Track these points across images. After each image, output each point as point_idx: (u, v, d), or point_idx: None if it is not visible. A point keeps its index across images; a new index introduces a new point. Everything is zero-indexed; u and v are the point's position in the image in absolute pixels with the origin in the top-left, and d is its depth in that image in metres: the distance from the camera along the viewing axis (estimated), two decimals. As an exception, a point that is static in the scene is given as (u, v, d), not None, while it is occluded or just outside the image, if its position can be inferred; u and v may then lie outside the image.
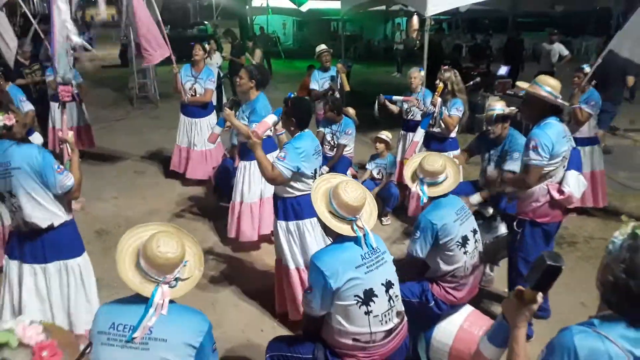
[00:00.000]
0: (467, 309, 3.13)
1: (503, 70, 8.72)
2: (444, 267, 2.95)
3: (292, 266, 3.49)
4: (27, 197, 2.80)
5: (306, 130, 3.36)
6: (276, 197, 3.49)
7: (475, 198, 3.86)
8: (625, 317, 1.42)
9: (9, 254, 3.03)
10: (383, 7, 16.24)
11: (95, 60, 18.05)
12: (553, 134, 3.04)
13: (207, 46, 7.22)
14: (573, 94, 5.08)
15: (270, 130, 3.73)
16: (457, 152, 4.98)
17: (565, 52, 9.31)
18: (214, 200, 5.71)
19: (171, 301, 1.90)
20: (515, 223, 3.39)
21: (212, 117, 6.27)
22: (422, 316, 3.02)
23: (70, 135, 3.19)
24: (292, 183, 3.31)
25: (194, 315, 1.95)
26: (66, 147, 3.20)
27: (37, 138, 5.16)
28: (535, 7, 13.52)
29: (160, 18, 6.20)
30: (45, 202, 2.85)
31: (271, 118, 3.45)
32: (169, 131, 9.05)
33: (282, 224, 3.44)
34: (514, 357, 1.62)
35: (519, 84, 3.37)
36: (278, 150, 3.65)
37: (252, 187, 4.58)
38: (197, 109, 6.13)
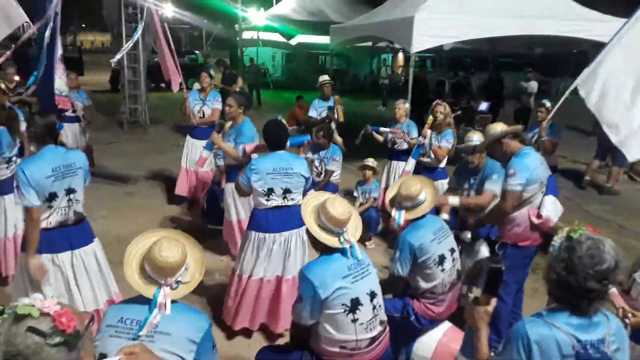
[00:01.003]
0: (446, 325, 3.30)
1: (483, 106, 9.15)
2: (423, 285, 3.13)
3: (244, 274, 3.71)
4: (82, 192, 3.37)
5: (278, 151, 3.66)
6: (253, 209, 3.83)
7: (454, 200, 4.04)
8: (568, 307, 1.69)
9: (52, 250, 3.27)
10: (369, 44, 16.87)
11: (86, 85, 18.20)
12: (530, 161, 3.28)
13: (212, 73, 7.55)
14: (540, 128, 5.37)
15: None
16: (446, 180, 5.24)
17: (535, 90, 9.85)
18: (202, 222, 5.85)
19: (176, 300, 2.05)
20: (497, 246, 3.59)
21: None
22: (403, 331, 3.18)
23: None
24: (256, 197, 3.67)
25: (196, 314, 2.10)
26: None
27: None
28: (515, 49, 14.18)
29: (173, 47, 6.52)
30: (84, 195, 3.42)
31: (256, 144, 3.97)
32: (158, 155, 9.25)
33: (248, 233, 3.75)
34: (478, 355, 1.85)
35: (469, 135, 3.85)
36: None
37: (237, 206, 4.77)
38: (205, 131, 6.34)
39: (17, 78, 7.34)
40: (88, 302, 3.39)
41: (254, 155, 3.76)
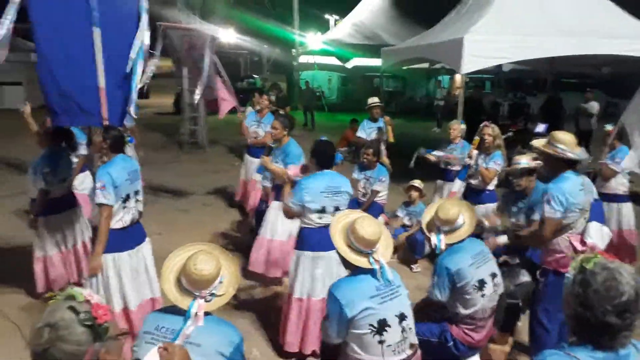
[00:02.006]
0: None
1: (540, 127, 8.84)
2: (462, 310, 3.05)
3: (294, 295, 3.72)
4: (141, 193, 3.82)
5: (326, 170, 3.71)
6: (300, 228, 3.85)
7: (502, 239, 3.93)
8: (590, 343, 1.55)
9: (130, 247, 3.65)
10: (426, 65, 16.83)
11: (151, 107, 19.25)
12: (567, 187, 3.13)
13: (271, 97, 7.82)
14: (602, 151, 5.16)
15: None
16: (494, 204, 5.10)
17: (595, 111, 9.38)
18: (251, 238, 6.00)
19: (210, 313, 2.14)
20: (539, 272, 3.46)
21: None
22: (440, 357, 3.11)
23: None
24: (305, 216, 3.67)
25: (228, 327, 2.17)
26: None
27: (85, 177, 5.66)
28: (579, 69, 13.62)
29: (225, 73, 6.85)
30: None
31: (300, 166, 4.07)
32: (214, 174, 9.60)
33: (295, 252, 3.79)
34: None
35: (534, 143, 3.50)
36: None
37: (282, 225, 4.84)
38: (260, 151, 6.58)
39: None
40: (147, 290, 3.76)
41: (299, 176, 3.87)
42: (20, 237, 5.91)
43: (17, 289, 4.70)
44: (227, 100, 6.72)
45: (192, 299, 2.12)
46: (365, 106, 7.19)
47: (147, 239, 3.90)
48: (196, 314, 2.09)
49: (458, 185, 5.22)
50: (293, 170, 3.99)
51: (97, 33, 3.48)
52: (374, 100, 7.17)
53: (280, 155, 4.81)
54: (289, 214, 3.76)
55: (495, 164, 5.02)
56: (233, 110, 6.96)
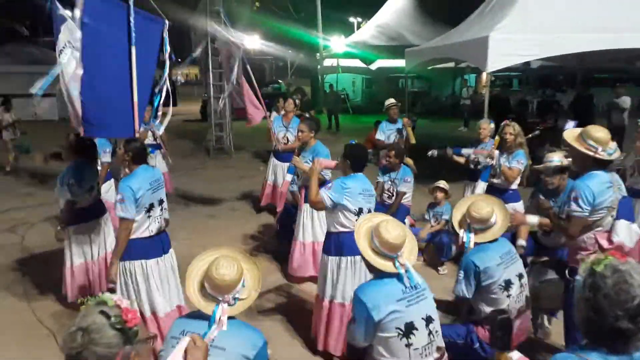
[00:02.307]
0: (515, 355, 3.12)
1: (570, 124, 8.56)
2: (487, 310, 3.01)
3: (326, 299, 3.70)
4: (166, 202, 3.91)
5: (359, 173, 3.68)
6: (327, 233, 3.78)
7: (532, 218, 3.76)
8: (603, 347, 1.48)
9: (157, 254, 3.77)
10: (452, 65, 16.63)
11: (179, 114, 19.59)
12: (595, 184, 3.03)
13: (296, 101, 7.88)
14: (635, 148, 4.98)
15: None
16: (519, 204, 5.03)
17: (627, 106, 9.07)
18: (276, 242, 6.05)
19: (233, 317, 2.17)
20: (567, 271, 3.38)
21: None
22: (466, 358, 3.06)
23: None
24: (336, 219, 3.60)
25: (252, 331, 2.20)
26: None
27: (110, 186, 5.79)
28: (612, 64, 13.23)
29: (255, 82, 6.92)
30: None
31: (334, 162, 4.02)
32: (240, 179, 9.71)
33: (324, 257, 3.74)
34: None
35: (566, 134, 3.39)
36: None
37: (314, 227, 4.91)
38: (289, 155, 6.63)
39: None
40: (174, 297, 3.87)
41: (322, 166, 3.90)
42: (51, 246, 6.10)
43: (51, 296, 4.85)
44: (259, 110, 6.80)
45: (216, 304, 2.14)
46: (384, 108, 7.18)
47: (173, 244, 3.99)
48: (220, 318, 2.11)
49: (481, 187, 5.14)
50: (325, 161, 3.97)
51: (134, 51, 3.84)
52: (391, 101, 7.16)
53: (309, 156, 4.90)
54: (318, 205, 3.63)
55: (519, 163, 4.94)
56: (243, 117, 7.03)
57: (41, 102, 17.60)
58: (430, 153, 6.08)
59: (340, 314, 3.67)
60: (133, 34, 3.83)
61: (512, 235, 4.17)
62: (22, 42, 22.50)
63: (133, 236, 3.66)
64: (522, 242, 4.17)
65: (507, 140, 4.99)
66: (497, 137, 5.00)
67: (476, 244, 3.14)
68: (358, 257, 3.55)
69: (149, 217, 3.69)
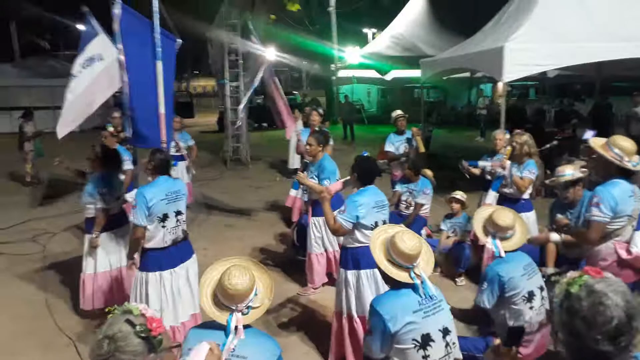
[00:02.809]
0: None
1: (589, 134, 8.46)
2: (508, 322, 2.98)
3: (344, 314, 3.69)
4: (185, 214, 3.95)
5: (369, 186, 3.68)
6: (342, 247, 3.79)
7: (555, 236, 3.78)
8: None
9: (172, 265, 3.81)
10: (467, 74, 16.57)
11: (196, 126, 19.86)
12: (617, 192, 3.04)
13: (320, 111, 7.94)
14: None
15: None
16: (530, 213, 5.02)
17: None
18: (292, 254, 6.06)
19: (249, 325, 2.19)
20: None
21: None
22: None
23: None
24: (352, 235, 3.59)
25: (269, 339, 2.23)
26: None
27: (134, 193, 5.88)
28: (633, 72, 13.03)
29: (283, 92, 7.00)
30: None
31: (342, 181, 4.00)
32: (257, 190, 9.79)
33: (342, 271, 3.72)
34: None
35: (593, 142, 3.36)
36: None
37: (324, 239, 4.92)
38: None
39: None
40: (189, 307, 3.89)
41: (332, 193, 3.89)
42: (73, 255, 6.22)
43: (72, 304, 4.93)
44: (289, 121, 6.89)
45: (230, 313, 2.17)
46: (410, 117, 7.17)
47: (193, 256, 4.02)
48: (236, 327, 2.14)
49: (492, 197, 5.12)
50: (334, 187, 3.97)
51: (159, 65, 4.15)
52: (398, 112, 7.16)
53: (315, 171, 4.91)
54: (339, 232, 3.59)
55: (530, 172, 4.91)
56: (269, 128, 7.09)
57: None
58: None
59: (361, 328, 3.65)
60: (159, 49, 4.12)
61: (539, 256, 4.11)
62: (43, 55, 23.07)
63: (148, 245, 3.74)
64: (550, 270, 4.07)
65: (516, 149, 4.96)
66: (508, 147, 4.97)
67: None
68: (376, 270, 3.55)
69: (163, 227, 3.72)
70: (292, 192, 5.06)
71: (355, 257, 3.63)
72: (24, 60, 22.53)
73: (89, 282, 4.60)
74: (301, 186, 5.06)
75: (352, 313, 3.66)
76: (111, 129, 5.68)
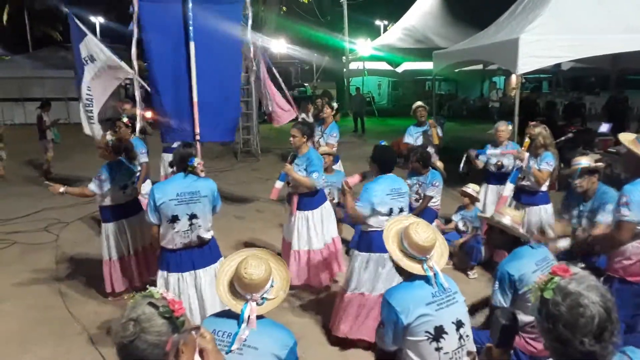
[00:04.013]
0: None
1: (604, 127, 8.40)
2: (523, 318, 2.94)
3: (349, 292, 3.83)
4: (204, 218, 3.59)
5: (388, 174, 3.75)
6: (361, 232, 3.89)
7: (563, 243, 3.78)
8: None
9: (179, 270, 3.63)
10: (480, 67, 16.40)
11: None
12: None
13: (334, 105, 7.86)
14: None
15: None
16: (548, 206, 4.99)
17: None
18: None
19: (263, 316, 2.19)
20: (603, 279, 3.28)
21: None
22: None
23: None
24: (369, 219, 3.69)
25: (282, 330, 2.22)
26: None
27: (148, 185, 5.89)
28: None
29: (283, 85, 6.93)
30: (210, 221, 3.69)
31: (360, 174, 4.03)
32: (267, 182, 9.76)
33: (355, 252, 3.86)
34: None
35: (622, 137, 3.27)
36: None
37: (310, 235, 4.77)
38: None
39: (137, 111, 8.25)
40: (194, 317, 3.70)
41: (353, 182, 3.92)
42: (85, 244, 6.28)
43: (84, 293, 4.99)
44: (287, 111, 6.81)
45: (245, 302, 2.16)
46: (412, 111, 7.12)
47: (211, 266, 3.68)
48: (249, 317, 2.13)
49: (509, 189, 5.06)
50: (352, 180, 3.94)
51: (192, 47, 3.92)
52: (418, 103, 7.12)
53: (303, 164, 4.74)
54: (359, 218, 3.73)
55: (548, 164, 4.85)
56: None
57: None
58: (461, 170, 6.03)
59: (358, 302, 3.82)
60: (191, 28, 3.91)
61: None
62: (56, 47, 23.18)
63: (161, 243, 3.65)
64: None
65: (534, 141, 4.89)
66: (527, 140, 4.90)
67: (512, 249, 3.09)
68: (386, 255, 3.56)
69: (172, 228, 3.50)
70: (278, 185, 4.87)
71: (368, 241, 3.75)
72: (36, 52, 22.68)
73: (109, 268, 4.70)
74: (287, 180, 4.91)
75: (354, 291, 3.82)
76: (125, 119, 5.70)
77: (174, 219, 3.48)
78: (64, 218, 7.37)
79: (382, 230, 3.51)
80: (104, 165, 4.64)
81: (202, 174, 3.65)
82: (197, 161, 3.58)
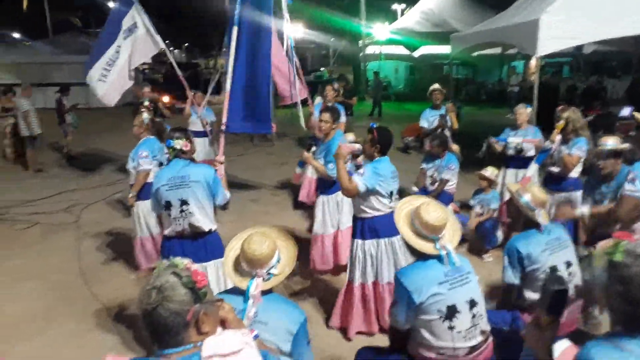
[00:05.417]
0: (564, 343, 3.04)
1: (626, 111, 8.13)
2: (532, 296, 2.94)
3: (356, 282, 3.77)
4: (198, 205, 3.41)
5: (385, 157, 3.69)
6: (355, 219, 3.79)
7: (585, 209, 3.70)
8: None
9: (168, 257, 3.61)
10: (498, 51, 16.10)
11: (222, 104, 19.92)
12: None
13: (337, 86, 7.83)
14: None
15: (350, 161, 4.07)
16: (579, 192, 4.74)
17: None
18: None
19: (270, 290, 2.22)
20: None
21: None
22: (512, 345, 3.01)
23: (223, 158, 3.89)
24: (369, 204, 3.61)
25: (292, 306, 2.24)
26: (221, 168, 3.82)
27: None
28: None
29: (299, 64, 6.88)
30: (208, 210, 3.48)
31: (357, 146, 3.85)
32: (281, 166, 9.82)
33: (357, 242, 3.74)
34: None
35: (603, 139, 3.25)
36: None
37: (329, 219, 4.74)
38: None
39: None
40: None
41: (348, 152, 3.80)
42: (105, 225, 6.41)
43: (104, 272, 5.12)
44: (298, 92, 6.74)
45: (251, 278, 2.19)
46: (428, 93, 7.05)
47: (209, 263, 3.50)
48: (255, 293, 2.15)
49: (533, 170, 4.97)
50: (349, 147, 3.79)
51: (235, 31, 4.17)
52: (435, 86, 7.03)
53: (322, 152, 4.68)
54: (353, 192, 3.50)
55: (580, 149, 4.70)
56: (289, 105, 6.94)
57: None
58: (481, 154, 5.95)
59: (374, 295, 3.78)
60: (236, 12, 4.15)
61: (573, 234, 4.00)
62: (75, 32, 23.38)
63: (164, 232, 3.61)
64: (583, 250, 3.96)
65: (569, 125, 4.75)
66: (561, 122, 4.76)
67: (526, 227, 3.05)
68: (394, 239, 3.63)
69: (169, 215, 3.44)
70: (297, 170, 4.89)
71: (372, 226, 3.67)
72: (56, 37, 22.91)
73: (140, 245, 4.84)
74: (305, 166, 4.89)
75: (367, 281, 3.76)
76: (147, 103, 5.81)
77: (168, 205, 3.42)
78: (85, 199, 7.52)
79: (384, 214, 3.59)
80: (141, 143, 4.80)
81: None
82: (178, 143, 3.46)
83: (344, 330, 3.97)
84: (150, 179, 4.69)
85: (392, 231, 3.56)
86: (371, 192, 3.54)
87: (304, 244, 5.66)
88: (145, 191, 4.70)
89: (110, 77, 5.64)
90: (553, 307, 1.70)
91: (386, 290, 3.74)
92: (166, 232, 3.55)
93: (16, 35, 29.06)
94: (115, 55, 5.65)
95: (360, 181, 3.49)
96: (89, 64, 5.89)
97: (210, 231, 3.52)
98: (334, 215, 4.74)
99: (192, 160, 3.62)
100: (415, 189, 5.75)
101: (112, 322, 4.17)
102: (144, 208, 4.74)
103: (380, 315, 3.84)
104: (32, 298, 4.60)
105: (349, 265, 3.92)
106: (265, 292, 2.19)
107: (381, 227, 3.64)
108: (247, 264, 2.20)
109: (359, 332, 3.91)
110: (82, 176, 9.12)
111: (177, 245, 3.49)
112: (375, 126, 3.74)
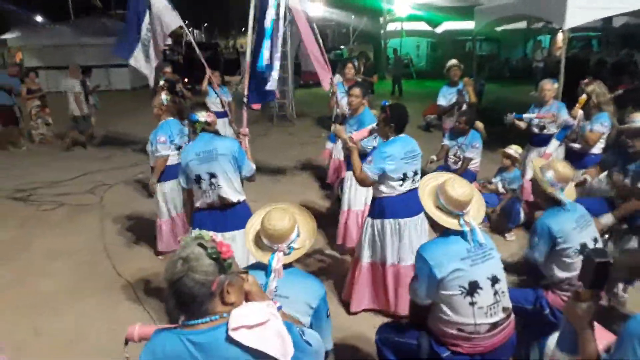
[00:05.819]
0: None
1: (657, 85, 7.91)
2: (559, 274, 2.89)
3: (364, 261, 3.76)
4: (226, 178, 3.50)
5: (401, 135, 3.58)
6: (372, 197, 3.76)
7: (607, 219, 3.64)
8: None
9: (201, 228, 3.71)
10: (523, 26, 15.65)
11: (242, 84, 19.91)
12: None
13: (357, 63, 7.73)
14: None
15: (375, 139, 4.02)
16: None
17: None
18: (336, 208, 6.07)
19: (290, 265, 2.24)
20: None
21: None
22: (536, 324, 2.97)
23: (247, 130, 3.97)
24: (379, 186, 3.57)
25: (313, 280, 2.27)
26: (245, 140, 3.96)
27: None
28: None
29: (322, 44, 6.76)
30: (235, 183, 3.57)
31: (368, 128, 3.80)
32: (302, 146, 9.81)
33: (368, 220, 3.74)
34: (583, 355, 1.64)
35: (633, 116, 3.11)
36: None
37: (357, 195, 4.74)
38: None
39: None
40: None
41: (359, 140, 3.78)
42: (127, 205, 6.51)
43: (128, 250, 5.21)
44: (326, 72, 6.66)
45: (272, 252, 2.22)
46: (445, 69, 6.84)
47: (233, 232, 3.55)
48: (277, 267, 2.17)
49: (554, 146, 4.84)
50: (359, 135, 3.79)
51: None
52: (452, 62, 6.79)
53: (354, 125, 4.64)
54: (365, 182, 3.56)
55: (602, 125, 4.56)
56: (309, 85, 6.89)
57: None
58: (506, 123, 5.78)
59: (372, 272, 3.79)
60: None
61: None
62: (96, 15, 23.52)
63: (195, 204, 3.68)
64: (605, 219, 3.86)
65: (591, 99, 4.60)
66: (583, 96, 4.60)
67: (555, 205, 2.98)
68: (401, 220, 3.58)
69: (199, 188, 3.55)
70: (329, 145, 4.85)
71: (381, 207, 3.63)
72: (79, 19, 23.10)
73: (164, 227, 4.89)
74: (338, 140, 4.85)
75: (375, 260, 3.75)
76: (162, 82, 5.84)
77: (198, 178, 3.52)
78: (108, 180, 7.65)
79: (394, 196, 3.54)
80: (160, 126, 4.78)
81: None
82: (202, 115, 3.56)
83: (348, 305, 3.99)
84: (169, 163, 4.75)
85: (399, 213, 3.56)
86: (383, 176, 3.50)
87: (327, 223, 5.72)
88: (164, 174, 4.75)
89: (151, 56, 5.96)
90: (595, 281, 1.65)
91: (389, 272, 3.70)
92: (197, 204, 3.63)
93: (39, 18, 29.43)
94: (148, 34, 5.90)
95: (368, 171, 3.47)
96: (123, 45, 6.11)
97: (238, 202, 3.61)
98: (361, 191, 4.73)
99: (217, 133, 3.69)
100: (433, 157, 5.66)
101: (139, 296, 4.27)
102: (167, 189, 4.79)
103: (386, 296, 3.79)
104: (62, 275, 4.72)
105: (357, 243, 3.95)
106: (285, 267, 2.21)
107: (387, 208, 3.59)
108: (267, 239, 2.22)
109: (368, 310, 3.91)
110: (105, 157, 9.25)
111: (207, 216, 3.60)
112: (387, 104, 3.64)
